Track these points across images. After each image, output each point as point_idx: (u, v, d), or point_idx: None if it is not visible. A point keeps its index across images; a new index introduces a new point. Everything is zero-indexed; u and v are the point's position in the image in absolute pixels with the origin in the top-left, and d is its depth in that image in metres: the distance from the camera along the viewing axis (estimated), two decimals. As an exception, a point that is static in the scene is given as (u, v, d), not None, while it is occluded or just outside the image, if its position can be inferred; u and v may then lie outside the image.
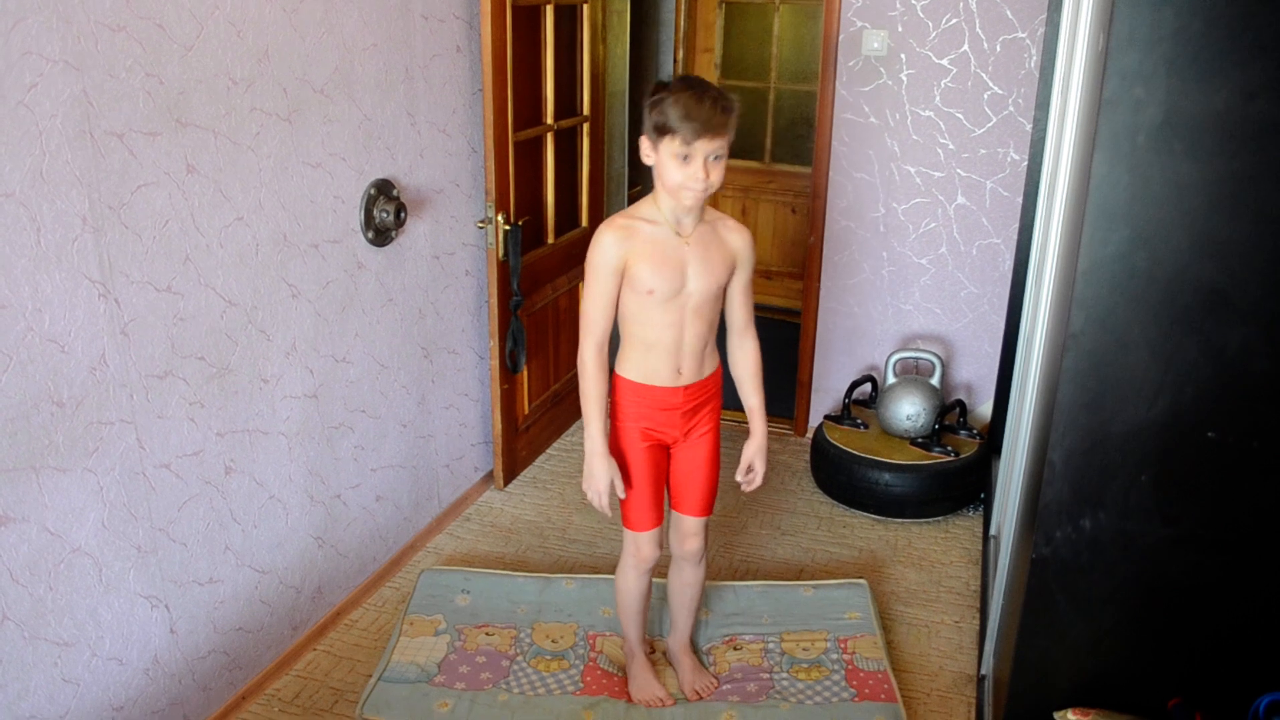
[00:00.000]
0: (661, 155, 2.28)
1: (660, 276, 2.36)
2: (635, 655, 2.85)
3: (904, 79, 3.90)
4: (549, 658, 2.94)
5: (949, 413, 3.93)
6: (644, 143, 2.34)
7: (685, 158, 2.25)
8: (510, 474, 4.00)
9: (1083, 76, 2.23)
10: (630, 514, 2.61)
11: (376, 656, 3.00)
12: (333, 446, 3.02)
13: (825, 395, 4.38)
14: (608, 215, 4.66)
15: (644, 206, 2.40)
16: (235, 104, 2.47)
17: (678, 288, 2.38)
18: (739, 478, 2.66)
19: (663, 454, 2.60)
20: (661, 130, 2.25)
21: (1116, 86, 1.66)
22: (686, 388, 2.51)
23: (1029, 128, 3.78)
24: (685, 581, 2.79)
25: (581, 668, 2.90)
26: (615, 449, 2.55)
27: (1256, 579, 1.85)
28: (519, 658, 2.94)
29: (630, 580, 2.72)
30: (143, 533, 2.39)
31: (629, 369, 2.50)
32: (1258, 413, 1.75)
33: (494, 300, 3.65)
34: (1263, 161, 1.63)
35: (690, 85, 2.27)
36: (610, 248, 2.34)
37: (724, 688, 2.82)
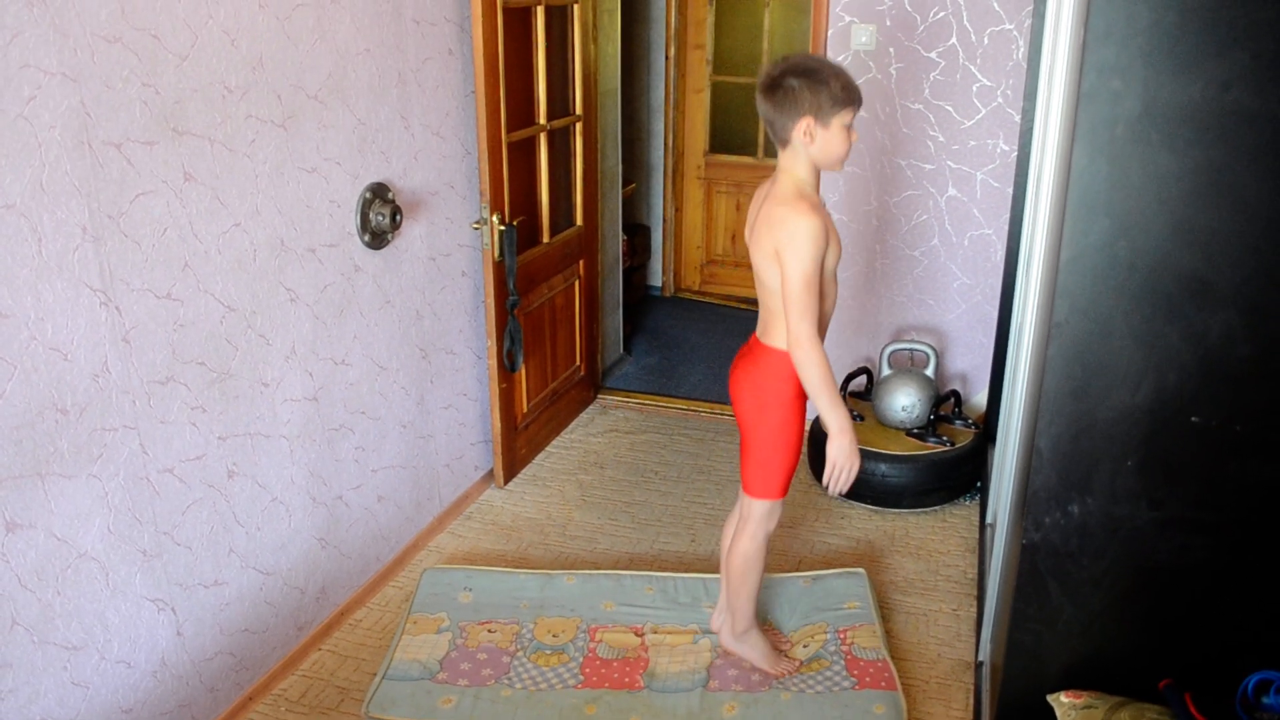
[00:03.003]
0: (834, 129, 2.38)
1: (839, 245, 2.48)
2: (753, 629, 2.89)
3: (893, 73, 3.92)
4: (549, 652, 2.98)
5: (944, 403, 3.96)
6: (806, 124, 2.37)
7: (849, 127, 2.39)
8: (510, 472, 4.03)
9: (1065, 69, 2.26)
10: (783, 482, 2.67)
11: (381, 655, 3.03)
12: (334, 448, 3.06)
13: (821, 388, 4.41)
14: (602, 214, 4.72)
15: (803, 187, 2.43)
16: (231, 112, 2.50)
17: (839, 257, 2.51)
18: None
19: None
20: (840, 102, 2.35)
21: (1094, 79, 1.69)
22: None
23: (1017, 119, 3.81)
24: None
25: (580, 660, 2.94)
26: (793, 424, 2.59)
27: (1242, 560, 1.88)
28: (519, 653, 2.97)
29: (763, 550, 2.76)
30: (148, 537, 2.43)
31: None
32: (1240, 396, 1.78)
33: (490, 300, 3.68)
34: (1239, 150, 1.66)
35: (825, 61, 2.40)
36: (822, 231, 2.38)
37: (729, 674, 2.86)
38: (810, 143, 2.38)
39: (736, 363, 2.67)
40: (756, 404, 2.60)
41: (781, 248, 2.38)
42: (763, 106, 2.42)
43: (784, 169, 2.46)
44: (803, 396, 2.60)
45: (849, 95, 2.37)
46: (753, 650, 2.88)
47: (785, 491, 2.70)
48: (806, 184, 2.44)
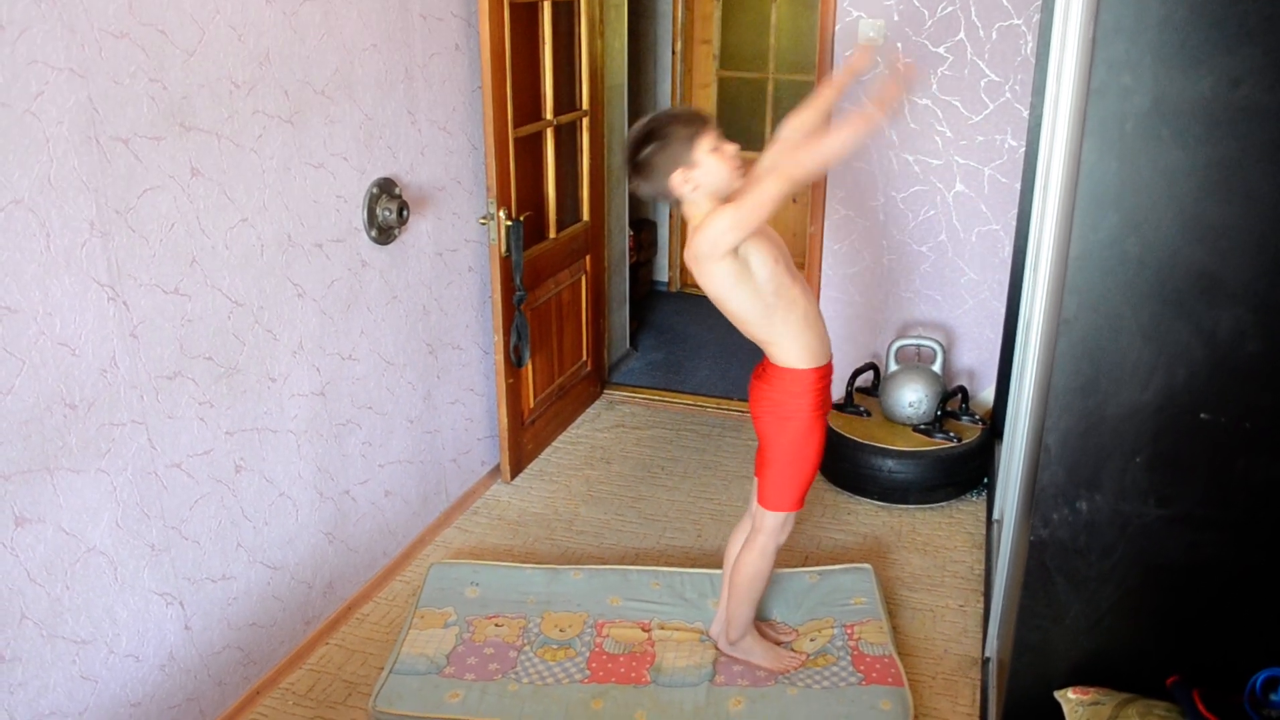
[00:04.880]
0: (705, 162, 2.38)
1: (771, 241, 2.44)
2: (752, 632, 2.89)
3: (900, 68, 3.91)
4: (555, 647, 2.98)
5: (951, 399, 3.96)
6: (681, 175, 2.38)
7: (716, 148, 2.39)
8: (517, 467, 4.03)
9: (1074, 64, 2.25)
10: (799, 495, 2.67)
11: (388, 650, 3.04)
12: (341, 443, 3.06)
13: (828, 383, 4.41)
14: (609, 209, 4.72)
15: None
16: (238, 107, 2.50)
17: (781, 252, 2.47)
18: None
19: None
20: (692, 137, 2.37)
21: (1104, 75, 1.68)
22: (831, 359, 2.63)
23: (1026, 114, 3.80)
24: None
25: (587, 655, 2.94)
26: (813, 438, 2.60)
27: (1251, 557, 1.88)
28: (526, 648, 2.98)
29: (771, 562, 2.77)
30: (156, 531, 2.43)
31: (805, 358, 2.53)
32: (1249, 393, 1.78)
33: (497, 295, 3.68)
34: (1249, 146, 1.65)
35: (657, 114, 2.49)
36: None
37: (734, 669, 2.86)
38: (696, 187, 2.39)
39: (754, 381, 2.67)
40: (776, 417, 2.60)
41: (706, 246, 2.35)
42: (641, 188, 2.46)
43: (689, 215, 2.48)
44: (820, 409, 2.59)
45: (696, 125, 2.38)
46: (750, 654, 2.88)
47: (801, 504, 2.69)
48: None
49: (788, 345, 2.51)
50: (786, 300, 2.46)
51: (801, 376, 2.53)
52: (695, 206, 2.43)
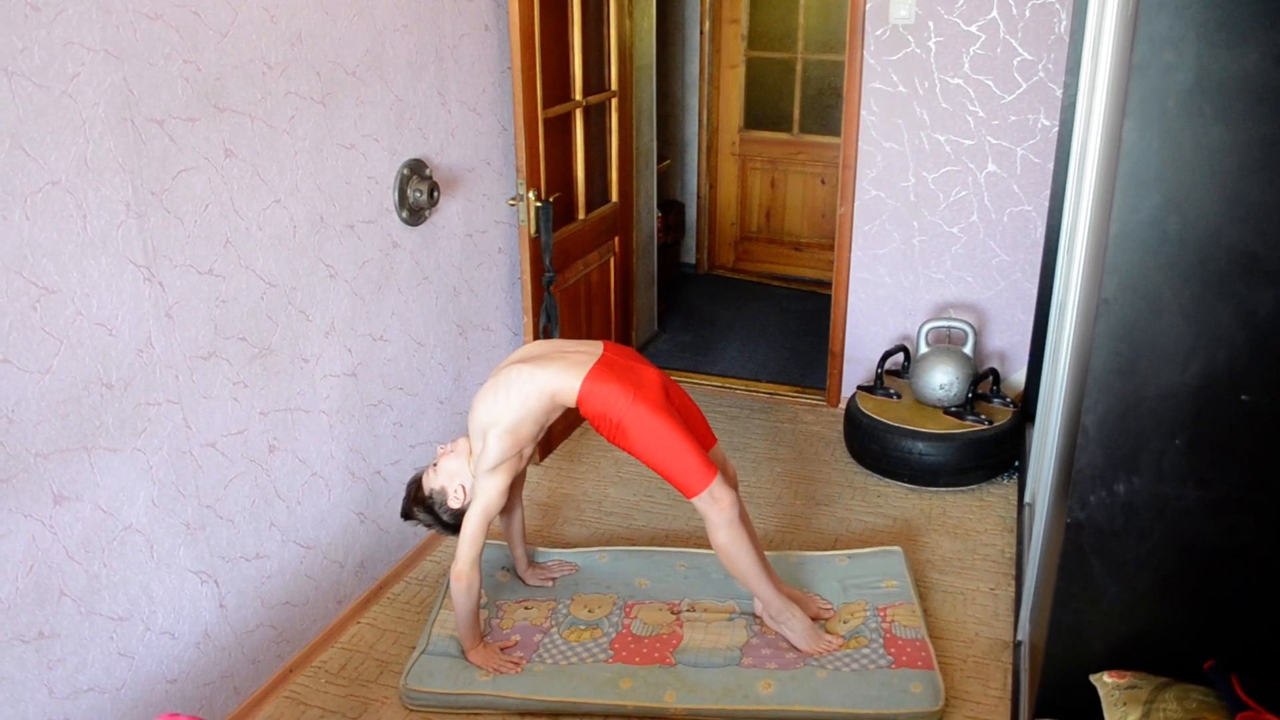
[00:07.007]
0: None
1: (514, 461, 2.79)
2: (787, 610, 2.87)
3: (932, 47, 3.87)
4: (583, 627, 2.99)
5: (982, 381, 3.93)
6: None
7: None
8: (546, 449, 4.04)
9: (1113, 41, 2.22)
10: (699, 465, 2.67)
11: (419, 629, 3.06)
12: (372, 424, 3.08)
13: (858, 365, 4.39)
14: (637, 190, 4.71)
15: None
16: (270, 88, 2.51)
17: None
18: None
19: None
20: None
21: (1146, 51, 1.66)
22: None
23: (1059, 93, 3.75)
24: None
25: (614, 635, 2.95)
26: (651, 419, 2.65)
27: (1291, 541, 1.86)
28: (553, 630, 2.98)
29: (736, 536, 2.75)
30: (191, 510, 2.45)
31: (571, 379, 2.70)
32: (1292, 375, 1.75)
33: (527, 277, 3.68)
34: (1295, 124, 1.62)
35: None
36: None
37: (763, 653, 2.86)
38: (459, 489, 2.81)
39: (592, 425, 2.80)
40: (617, 429, 2.67)
41: (488, 445, 2.69)
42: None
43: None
44: (635, 392, 2.65)
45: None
46: (791, 631, 2.87)
47: (712, 469, 2.68)
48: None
49: (560, 394, 2.68)
50: (530, 429, 2.72)
51: (588, 392, 2.64)
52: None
